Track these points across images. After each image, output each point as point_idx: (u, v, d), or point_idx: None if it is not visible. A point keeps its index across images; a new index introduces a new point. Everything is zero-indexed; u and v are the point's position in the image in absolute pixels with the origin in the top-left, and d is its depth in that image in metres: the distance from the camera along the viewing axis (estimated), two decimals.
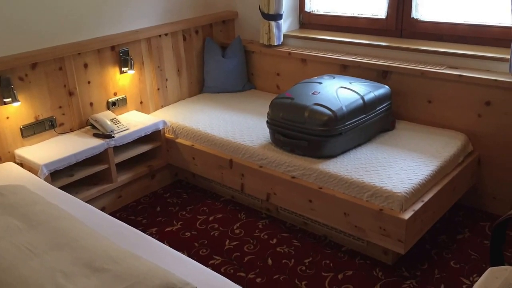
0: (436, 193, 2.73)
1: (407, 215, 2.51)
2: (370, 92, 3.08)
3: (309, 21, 4.08)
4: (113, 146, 3.21)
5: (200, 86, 4.24)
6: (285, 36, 4.02)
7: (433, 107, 3.27)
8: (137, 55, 3.65)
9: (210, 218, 3.26)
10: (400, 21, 3.53)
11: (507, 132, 3.00)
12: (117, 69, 3.55)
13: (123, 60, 3.54)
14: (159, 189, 3.68)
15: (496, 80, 2.94)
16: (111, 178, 3.26)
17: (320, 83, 3.18)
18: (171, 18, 3.87)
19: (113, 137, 3.21)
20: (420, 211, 2.58)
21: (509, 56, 2.91)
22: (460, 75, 3.07)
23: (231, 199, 3.48)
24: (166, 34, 3.82)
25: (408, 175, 2.69)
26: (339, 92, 3.02)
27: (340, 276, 2.67)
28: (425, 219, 2.69)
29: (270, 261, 2.81)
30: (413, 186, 2.61)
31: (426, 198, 2.66)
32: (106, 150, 3.18)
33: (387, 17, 3.60)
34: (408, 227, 2.50)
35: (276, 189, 3.03)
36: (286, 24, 4.02)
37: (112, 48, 3.48)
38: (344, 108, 2.90)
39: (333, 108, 2.87)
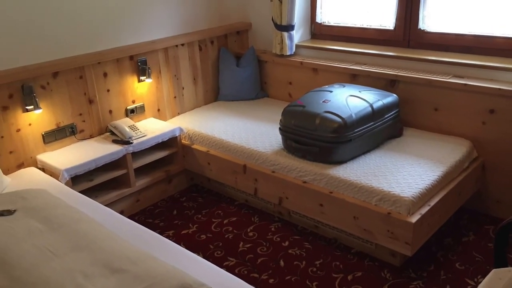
0: (442, 198, 2.69)
1: (414, 219, 2.48)
2: (379, 100, 3.05)
3: (320, 32, 4.06)
4: (131, 152, 3.21)
5: (215, 94, 4.24)
6: (297, 46, 4.01)
7: (440, 114, 3.24)
8: (154, 65, 3.65)
9: (225, 221, 3.25)
10: (407, 32, 3.50)
11: (511, 139, 2.96)
12: (135, 78, 3.56)
13: (141, 69, 3.55)
14: (176, 193, 3.67)
15: (500, 89, 2.91)
16: (129, 182, 3.26)
17: (331, 91, 3.16)
18: (187, 29, 3.88)
19: (132, 143, 3.21)
20: (426, 215, 2.55)
21: None
22: (465, 84, 3.04)
23: (245, 203, 3.46)
24: (182, 44, 3.83)
25: (415, 180, 2.66)
26: (349, 100, 3.00)
27: (349, 277, 2.64)
28: (432, 222, 2.65)
29: (282, 263, 2.78)
30: (420, 191, 2.58)
31: (433, 202, 2.62)
32: (124, 156, 3.18)
33: (395, 28, 3.57)
34: (415, 230, 2.47)
35: (288, 193, 3.01)
36: (298, 35, 4.01)
37: (131, 57, 3.49)
38: (353, 115, 2.88)
39: (343, 116, 2.85)
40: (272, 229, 3.14)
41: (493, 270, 1.80)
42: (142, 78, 3.57)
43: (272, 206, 3.28)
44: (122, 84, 3.49)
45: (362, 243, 2.83)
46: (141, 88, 3.62)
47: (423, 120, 3.33)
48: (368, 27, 3.75)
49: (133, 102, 3.60)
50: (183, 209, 3.44)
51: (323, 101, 3.02)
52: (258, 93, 4.21)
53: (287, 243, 2.98)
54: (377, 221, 2.60)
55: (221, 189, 3.62)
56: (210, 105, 4.10)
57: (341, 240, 2.95)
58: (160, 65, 3.70)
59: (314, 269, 2.72)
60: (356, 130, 2.87)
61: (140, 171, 3.40)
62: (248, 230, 3.13)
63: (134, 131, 3.32)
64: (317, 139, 2.88)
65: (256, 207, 3.39)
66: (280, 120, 3.10)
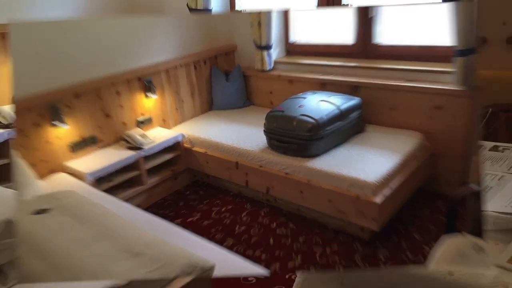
0: (401, 181, 2.74)
1: (379, 200, 2.53)
2: (345, 103, 3.10)
3: (293, 50, 4.09)
4: (143, 156, 3.23)
5: (209, 105, 4.25)
6: (275, 62, 4.03)
7: (395, 113, 3.27)
8: (158, 83, 3.66)
9: (223, 209, 3.27)
10: (365, 46, 3.55)
11: (455, 131, 3.00)
12: (143, 95, 3.57)
13: (148, 88, 3.55)
14: (181, 188, 3.68)
15: (443, 88, 2.96)
16: (142, 181, 3.27)
17: (304, 97, 3.20)
18: (184, 52, 3.89)
19: (143, 149, 3.23)
20: (389, 196, 2.60)
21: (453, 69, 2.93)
22: (414, 86, 3.09)
23: (238, 194, 3.48)
24: (181, 66, 3.84)
25: (378, 167, 2.71)
26: (320, 104, 3.05)
27: (328, 250, 2.67)
28: (394, 202, 2.70)
29: (271, 241, 2.81)
30: (382, 176, 2.63)
31: (394, 186, 2.67)
32: (138, 160, 3.19)
33: (354, 43, 3.61)
34: (380, 209, 2.52)
35: (274, 183, 3.04)
36: (275, 52, 4.03)
37: (139, 78, 3.50)
38: (324, 117, 2.92)
39: (316, 117, 2.89)
40: (262, 213, 3.16)
41: (445, 236, 1.84)
42: (148, 94, 3.58)
43: (261, 195, 3.30)
44: (132, 100, 3.50)
45: (337, 221, 2.86)
46: (148, 103, 3.63)
47: (381, 118, 3.35)
48: (332, 43, 3.78)
49: (142, 114, 3.60)
50: (188, 200, 3.45)
51: (299, 106, 3.06)
52: (245, 102, 4.23)
53: (274, 224, 3.00)
54: (349, 203, 2.64)
55: (218, 183, 3.63)
56: (206, 114, 4.11)
57: (319, 220, 2.98)
58: (163, 83, 3.71)
59: (298, 245, 2.75)
60: (327, 129, 2.92)
61: (151, 172, 3.40)
62: (242, 215, 3.16)
63: (144, 138, 3.33)
64: (295, 137, 2.92)
65: (248, 196, 3.41)
66: (264, 124, 3.13)
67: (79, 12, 3.63)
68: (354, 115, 3.13)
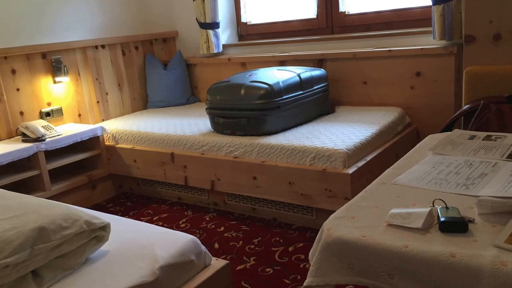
0: (378, 154, 2.50)
1: (351, 171, 2.23)
2: (307, 71, 2.90)
3: (246, 33, 3.91)
4: (44, 149, 2.84)
5: (143, 103, 3.94)
6: (224, 46, 3.83)
7: (369, 87, 3.10)
8: (71, 65, 3.35)
9: (155, 218, 2.89)
10: (330, 17, 3.42)
11: (438, 99, 2.88)
12: (50, 78, 3.23)
13: (56, 68, 3.22)
14: (102, 201, 3.29)
15: (422, 48, 2.84)
16: (43, 186, 2.86)
17: (257, 70, 2.97)
18: (107, 33, 3.61)
19: (44, 140, 2.85)
20: (363, 168, 2.32)
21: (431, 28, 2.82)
22: (389, 50, 2.96)
23: (177, 201, 3.12)
24: (103, 46, 3.55)
25: (349, 137, 2.46)
26: (276, 72, 2.83)
27: (290, 249, 2.33)
28: (371, 178, 2.40)
29: (216, 245, 2.45)
30: (355, 145, 2.37)
31: (369, 158, 2.41)
32: (36, 155, 2.80)
33: (317, 15, 3.47)
34: (353, 182, 2.23)
35: (220, 173, 2.71)
36: (224, 36, 3.84)
37: (43, 55, 3.18)
38: (280, 83, 2.68)
39: (270, 82, 2.65)
40: (207, 219, 2.81)
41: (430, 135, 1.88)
42: (57, 79, 3.25)
43: (206, 198, 2.96)
44: (34, 83, 3.15)
45: (303, 216, 2.55)
46: (57, 90, 3.29)
47: (353, 96, 3.18)
48: (292, 19, 3.62)
49: (49, 104, 3.25)
50: (108, 213, 3.05)
51: (249, 75, 2.82)
52: (189, 98, 3.95)
53: (222, 228, 2.65)
54: (313, 182, 2.34)
55: (151, 191, 3.26)
56: (138, 113, 3.78)
57: (280, 219, 2.65)
58: (78, 66, 3.40)
59: (252, 246, 2.40)
60: (284, 97, 2.66)
61: (59, 176, 3.03)
62: (180, 222, 2.79)
63: (48, 130, 2.96)
64: (244, 108, 2.64)
65: (189, 203, 3.06)
66: (206, 99, 2.84)
67: (96, 33, 3.58)
68: (318, 87, 2.91)
